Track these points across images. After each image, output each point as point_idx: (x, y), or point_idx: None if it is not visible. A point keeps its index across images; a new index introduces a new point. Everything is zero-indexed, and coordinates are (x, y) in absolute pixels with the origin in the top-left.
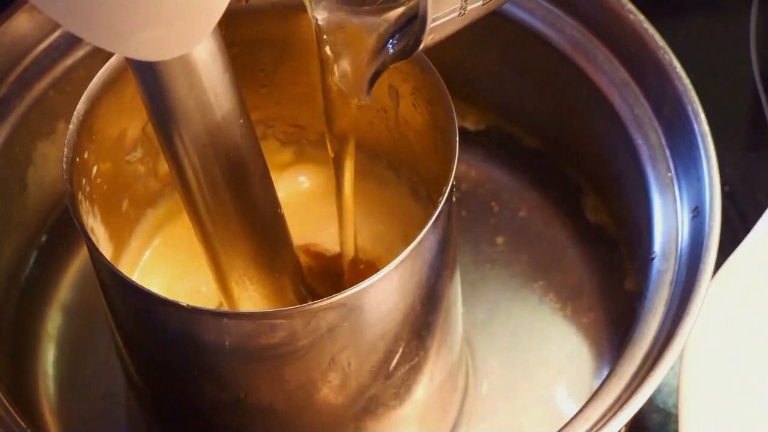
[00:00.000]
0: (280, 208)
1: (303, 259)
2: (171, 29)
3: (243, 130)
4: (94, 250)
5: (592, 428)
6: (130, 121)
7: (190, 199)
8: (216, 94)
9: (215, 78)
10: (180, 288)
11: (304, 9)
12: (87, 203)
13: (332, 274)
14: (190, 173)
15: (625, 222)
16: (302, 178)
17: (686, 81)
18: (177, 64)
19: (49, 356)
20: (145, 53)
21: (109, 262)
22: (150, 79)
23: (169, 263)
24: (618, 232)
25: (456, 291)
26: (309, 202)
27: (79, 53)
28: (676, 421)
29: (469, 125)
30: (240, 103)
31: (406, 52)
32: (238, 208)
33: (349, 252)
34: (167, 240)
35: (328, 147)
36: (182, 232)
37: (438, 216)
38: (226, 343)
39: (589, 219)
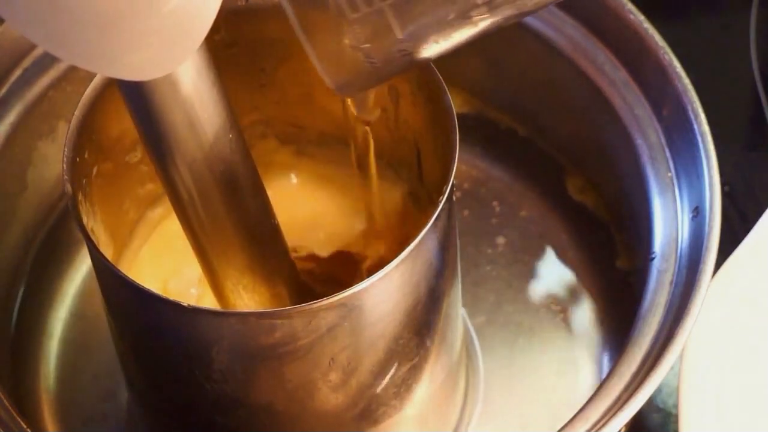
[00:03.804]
0: (275, 218)
1: (303, 264)
2: (155, 50)
3: (233, 144)
4: (94, 250)
5: (592, 428)
6: (130, 121)
7: (182, 212)
8: (204, 109)
9: (203, 94)
10: (178, 286)
11: None
12: (87, 203)
13: (332, 276)
14: (181, 189)
15: (625, 222)
16: (302, 177)
17: (686, 81)
18: (163, 83)
19: (49, 357)
20: (131, 73)
21: (110, 262)
22: (137, 97)
23: (167, 260)
24: (618, 232)
25: (456, 290)
26: (309, 200)
27: None
28: (676, 421)
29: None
30: (229, 118)
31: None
32: (231, 222)
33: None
34: (165, 238)
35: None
36: (180, 229)
37: (438, 216)
38: (226, 343)
39: (589, 219)
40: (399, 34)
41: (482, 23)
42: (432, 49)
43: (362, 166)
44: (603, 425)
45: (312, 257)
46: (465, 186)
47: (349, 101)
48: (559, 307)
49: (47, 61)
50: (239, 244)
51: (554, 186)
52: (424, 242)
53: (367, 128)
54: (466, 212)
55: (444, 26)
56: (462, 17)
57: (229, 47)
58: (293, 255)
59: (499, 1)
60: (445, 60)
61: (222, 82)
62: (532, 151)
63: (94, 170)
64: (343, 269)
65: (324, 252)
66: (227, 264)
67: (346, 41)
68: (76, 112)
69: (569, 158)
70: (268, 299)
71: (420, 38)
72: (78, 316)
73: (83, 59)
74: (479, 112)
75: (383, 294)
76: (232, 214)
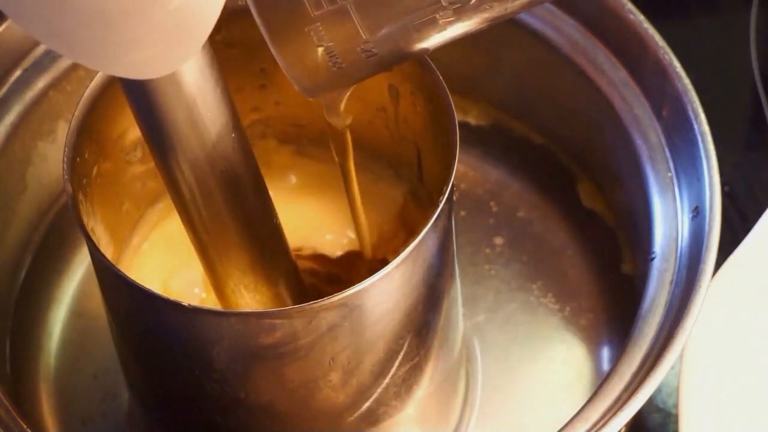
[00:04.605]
0: (276, 218)
1: (306, 263)
2: (159, 48)
3: (236, 143)
4: (94, 250)
5: (592, 428)
6: (130, 121)
7: (184, 211)
8: (207, 109)
9: (206, 93)
10: (178, 285)
11: None
12: (87, 203)
13: (334, 276)
14: (183, 187)
15: (624, 222)
16: (302, 177)
17: (686, 81)
18: (167, 82)
19: (49, 357)
20: (134, 72)
21: (110, 262)
22: (140, 96)
23: (168, 260)
24: (618, 232)
25: (456, 290)
26: (309, 200)
27: None
28: (676, 421)
29: (471, 120)
30: (232, 117)
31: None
32: (233, 221)
33: (365, 245)
34: (165, 237)
35: (331, 145)
36: (180, 227)
37: (438, 216)
38: (227, 343)
39: (588, 219)
40: (363, 33)
41: (449, 27)
42: (397, 50)
43: (344, 172)
44: (603, 425)
45: (317, 257)
46: (462, 186)
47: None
48: (558, 307)
49: (47, 61)
50: (241, 243)
51: (552, 185)
52: (424, 242)
53: (346, 131)
54: (463, 212)
55: (409, 27)
56: (428, 19)
57: (229, 47)
58: (296, 254)
59: (465, 5)
60: (444, 60)
61: (225, 81)
62: (530, 151)
63: (94, 170)
64: (347, 268)
65: (330, 252)
66: (229, 263)
67: (310, 40)
68: (76, 112)
69: (568, 158)
70: (270, 299)
71: (385, 38)
72: (78, 316)
73: (87, 57)
74: (477, 112)
75: (383, 294)
76: (233, 213)
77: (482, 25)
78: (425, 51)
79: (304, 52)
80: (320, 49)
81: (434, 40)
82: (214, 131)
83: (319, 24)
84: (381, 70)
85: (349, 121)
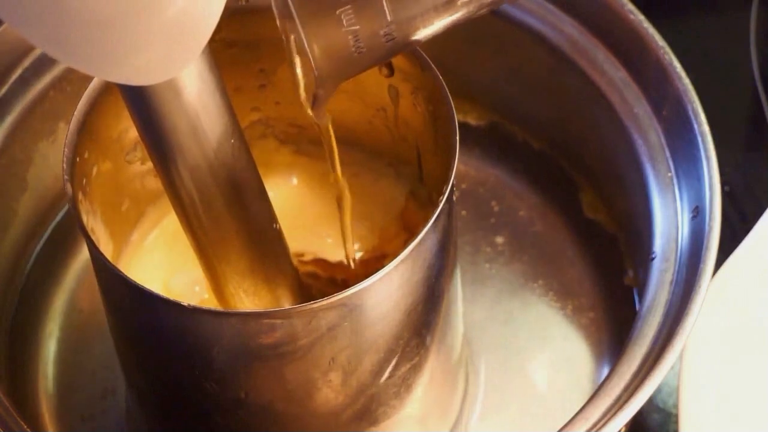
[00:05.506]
0: (277, 223)
1: (307, 267)
2: (158, 54)
3: (236, 148)
4: (94, 250)
5: (592, 428)
6: (130, 121)
7: (183, 216)
8: (207, 115)
9: (206, 99)
10: (178, 284)
11: None
12: (87, 203)
13: (335, 280)
14: (183, 193)
15: (624, 222)
16: (302, 177)
17: (686, 81)
18: (166, 87)
19: (49, 356)
20: (133, 78)
21: (110, 262)
22: (139, 102)
23: (168, 259)
24: (618, 232)
25: (456, 290)
26: (310, 201)
27: None
28: (676, 421)
29: (471, 120)
30: (232, 123)
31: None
32: (233, 226)
33: (348, 242)
34: (165, 236)
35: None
36: (180, 227)
37: (438, 216)
38: (227, 343)
39: (589, 218)
40: (388, 14)
41: (464, 8)
42: (411, 34)
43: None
44: (603, 425)
45: (319, 261)
46: (463, 186)
47: (308, 105)
48: (560, 305)
49: (47, 61)
50: (241, 247)
51: (553, 185)
52: (423, 242)
53: (329, 126)
54: (464, 212)
55: (430, 8)
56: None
57: (229, 47)
58: (298, 259)
59: None
60: (444, 60)
61: (224, 86)
62: (531, 151)
63: (94, 170)
64: (348, 272)
65: (331, 256)
66: (228, 267)
67: (339, 23)
68: (75, 112)
69: (568, 158)
70: (270, 302)
71: (406, 20)
72: (77, 315)
73: (84, 63)
74: (478, 112)
75: (383, 294)
76: (233, 219)
77: (493, 6)
78: (432, 35)
79: (332, 36)
80: (347, 33)
81: (447, 21)
82: (213, 137)
83: (349, 7)
84: (389, 58)
85: (330, 119)
